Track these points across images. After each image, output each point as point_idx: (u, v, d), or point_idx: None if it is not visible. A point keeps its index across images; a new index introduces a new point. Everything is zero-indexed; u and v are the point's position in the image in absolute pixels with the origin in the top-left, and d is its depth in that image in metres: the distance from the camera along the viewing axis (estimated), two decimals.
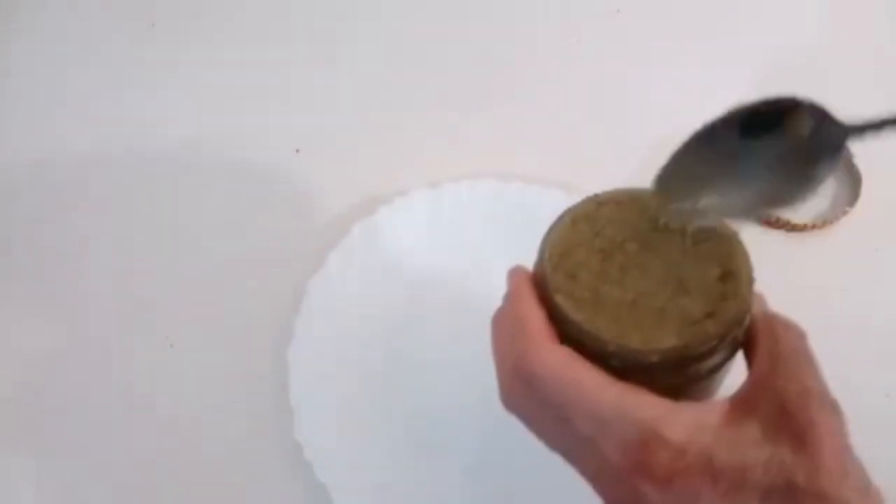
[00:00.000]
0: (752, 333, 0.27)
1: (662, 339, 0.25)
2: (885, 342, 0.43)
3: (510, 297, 0.29)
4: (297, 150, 0.51)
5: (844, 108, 0.52)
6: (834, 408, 0.25)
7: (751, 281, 0.27)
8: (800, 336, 0.26)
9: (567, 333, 0.27)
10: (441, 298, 0.44)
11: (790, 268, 0.46)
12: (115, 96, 0.53)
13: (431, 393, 0.43)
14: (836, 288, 0.45)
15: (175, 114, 0.52)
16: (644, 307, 0.26)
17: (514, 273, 0.30)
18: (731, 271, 0.27)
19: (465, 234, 0.46)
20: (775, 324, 0.27)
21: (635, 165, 0.49)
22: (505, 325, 0.28)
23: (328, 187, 0.49)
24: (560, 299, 0.27)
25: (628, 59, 0.54)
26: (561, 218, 0.30)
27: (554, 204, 0.46)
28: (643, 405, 0.24)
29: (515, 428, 0.42)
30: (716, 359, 0.26)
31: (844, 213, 0.47)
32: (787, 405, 0.24)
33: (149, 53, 0.55)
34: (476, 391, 0.43)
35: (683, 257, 0.27)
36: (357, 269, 0.45)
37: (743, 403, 0.25)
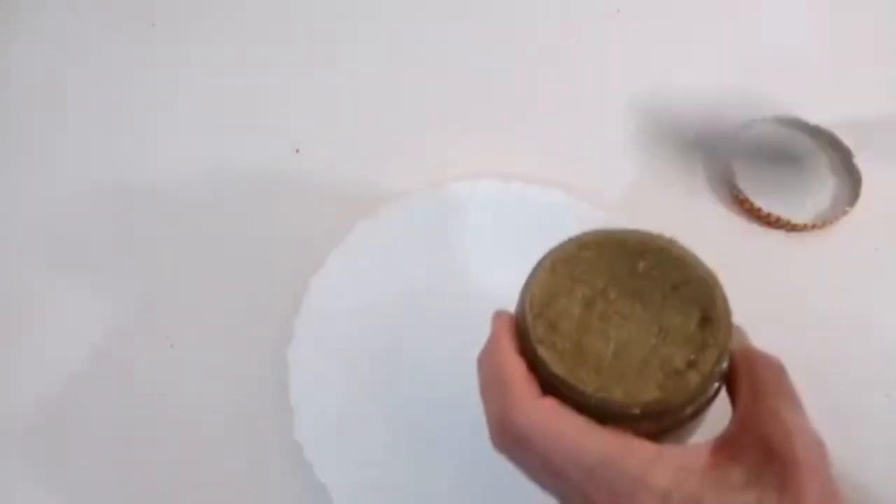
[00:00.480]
0: (732, 370, 0.27)
1: (644, 392, 0.26)
2: (885, 342, 0.43)
3: (491, 346, 0.29)
4: (297, 150, 0.51)
5: (845, 108, 0.52)
6: (817, 445, 0.25)
7: (730, 325, 0.27)
8: (779, 372, 0.27)
9: (549, 384, 0.27)
10: (441, 298, 0.44)
11: (790, 268, 0.46)
12: (114, 96, 0.53)
13: (431, 393, 0.43)
14: (836, 288, 0.45)
15: (175, 114, 0.52)
16: (626, 358, 0.27)
17: (497, 319, 0.30)
18: (711, 317, 0.27)
19: (465, 234, 0.46)
20: (755, 361, 0.27)
21: (635, 165, 0.49)
22: (488, 375, 0.28)
23: (328, 187, 0.49)
24: (542, 351, 0.27)
25: (628, 59, 0.54)
26: (541, 262, 0.30)
27: (554, 204, 0.47)
28: (628, 452, 0.25)
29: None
30: (696, 405, 0.27)
31: (844, 213, 0.47)
32: (771, 446, 0.24)
33: (149, 53, 0.55)
34: (476, 392, 0.43)
35: (664, 302, 0.28)
36: (357, 269, 0.45)
37: (727, 445, 0.25)
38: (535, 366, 0.27)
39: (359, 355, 0.43)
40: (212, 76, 0.54)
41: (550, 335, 0.27)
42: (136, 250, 0.48)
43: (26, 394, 0.44)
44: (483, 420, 0.42)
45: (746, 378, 0.27)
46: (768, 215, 0.47)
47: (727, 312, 0.27)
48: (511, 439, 0.27)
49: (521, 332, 0.28)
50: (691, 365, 0.26)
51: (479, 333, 0.44)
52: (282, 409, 0.41)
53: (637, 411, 0.26)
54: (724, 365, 0.27)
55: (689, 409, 0.26)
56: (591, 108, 0.52)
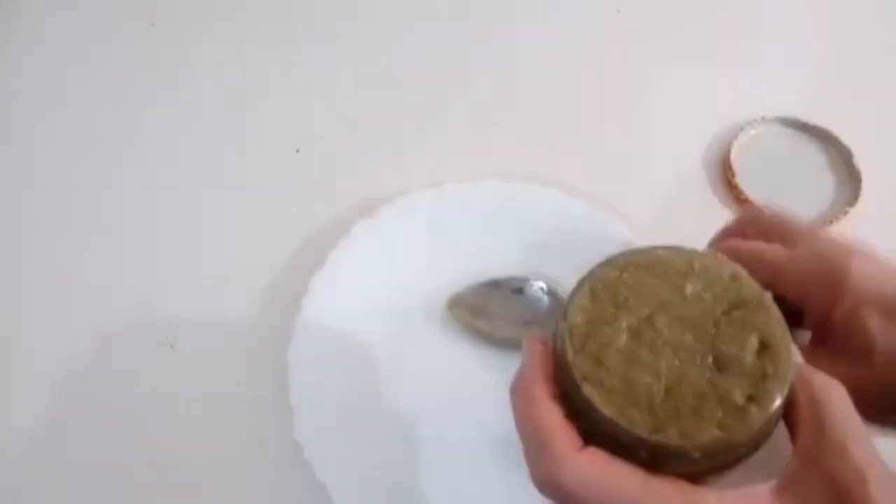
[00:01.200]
0: (790, 399, 0.25)
1: (703, 433, 0.24)
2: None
3: (525, 393, 0.26)
4: (297, 150, 0.51)
5: (845, 108, 0.52)
6: (891, 482, 0.23)
7: (790, 350, 0.25)
8: (842, 398, 0.25)
9: (595, 426, 0.25)
10: (441, 298, 0.44)
11: None
12: (114, 96, 0.53)
13: (431, 393, 0.43)
14: None
15: (175, 113, 0.52)
16: (680, 395, 0.24)
17: (530, 350, 0.27)
18: (769, 344, 0.25)
19: (466, 234, 0.46)
20: (814, 386, 0.25)
21: (635, 165, 0.49)
22: (524, 431, 0.26)
23: (328, 187, 0.49)
24: (588, 391, 0.25)
25: (628, 59, 0.54)
26: (579, 288, 0.27)
27: (554, 204, 0.47)
28: (687, 501, 0.24)
29: (514, 429, 0.42)
30: (757, 441, 0.25)
31: (844, 213, 0.47)
32: (843, 487, 0.23)
33: (149, 53, 0.55)
34: (476, 391, 0.43)
35: (717, 329, 0.25)
36: (357, 269, 0.45)
37: (791, 485, 0.24)
38: (577, 406, 0.25)
39: (359, 355, 0.43)
40: (212, 76, 0.54)
41: (596, 371, 0.25)
42: (136, 250, 0.48)
43: (26, 393, 0.44)
44: (483, 419, 0.42)
45: (807, 406, 0.24)
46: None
47: (785, 336, 0.25)
48: (561, 498, 0.25)
49: (562, 366, 0.26)
50: (752, 399, 0.24)
51: (479, 334, 0.44)
52: (282, 409, 0.41)
53: (697, 455, 0.24)
54: (786, 396, 0.25)
55: (750, 448, 0.25)
56: (591, 107, 0.52)
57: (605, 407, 0.24)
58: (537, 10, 0.56)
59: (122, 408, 0.43)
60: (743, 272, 0.26)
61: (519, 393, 0.27)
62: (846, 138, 0.49)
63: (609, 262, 0.27)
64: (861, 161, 0.48)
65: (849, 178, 0.48)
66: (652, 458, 0.24)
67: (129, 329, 0.45)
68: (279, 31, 0.56)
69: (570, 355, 0.25)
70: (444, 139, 0.51)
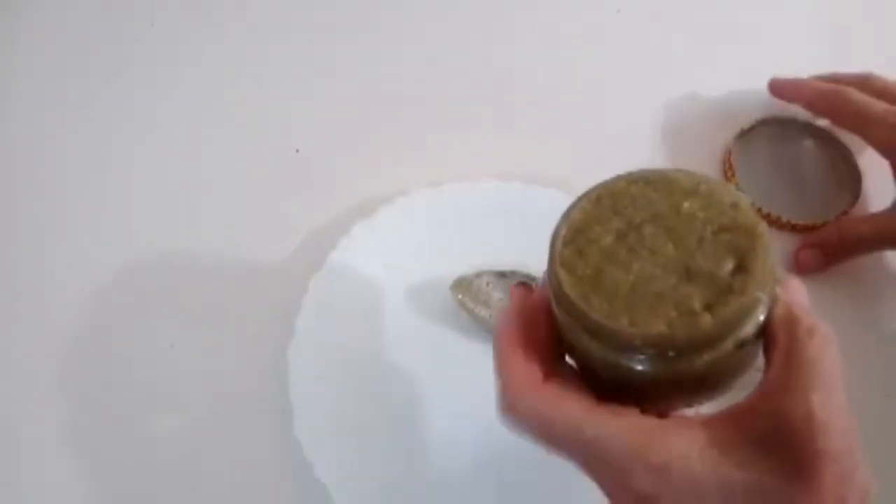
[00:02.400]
0: (771, 334, 0.25)
1: (651, 326, 0.24)
2: (886, 342, 0.43)
3: (498, 330, 0.28)
4: (297, 150, 0.51)
5: None
6: (843, 435, 0.23)
7: (767, 280, 0.25)
8: (823, 343, 0.24)
9: (562, 307, 0.27)
10: (441, 298, 0.44)
11: (791, 267, 0.46)
12: (114, 96, 0.53)
13: (431, 393, 0.43)
14: (837, 287, 0.45)
15: (175, 114, 0.52)
16: (642, 292, 0.25)
17: (512, 294, 0.29)
18: (746, 266, 0.25)
19: (466, 234, 0.46)
20: (796, 325, 0.24)
21: (635, 166, 0.49)
22: (496, 353, 0.28)
23: (328, 187, 0.49)
24: (561, 273, 0.26)
25: (628, 60, 0.54)
26: (588, 193, 0.29)
27: (554, 204, 0.47)
28: (625, 428, 0.24)
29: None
30: (707, 357, 0.25)
31: (844, 213, 0.47)
32: (789, 426, 0.23)
33: (149, 53, 0.55)
34: (476, 391, 0.43)
35: (699, 245, 0.26)
36: (357, 269, 0.45)
37: (740, 419, 0.24)
38: (554, 291, 0.27)
39: (359, 355, 0.43)
40: (211, 76, 0.54)
41: (574, 260, 0.27)
42: (136, 250, 0.48)
43: (26, 393, 0.44)
44: (483, 419, 0.42)
45: (784, 344, 0.24)
46: (768, 215, 0.47)
47: (767, 267, 0.25)
48: (516, 429, 0.27)
49: (549, 257, 0.28)
50: (708, 308, 0.24)
51: (479, 331, 0.44)
52: (282, 408, 0.41)
53: (638, 342, 0.25)
54: (749, 320, 0.25)
55: (704, 358, 0.25)
56: (592, 107, 0.52)
57: (570, 289, 0.26)
58: (537, 9, 0.56)
59: (122, 408, 0.43)
60: (747, 202, 0.27)
61: (494, 335, 0.28)
62: (846, 138, 0.49)
63: (622, 176, 0.29)
64: (861, 161, 0.48)
65: (849, 178, 0.48)
66: (607, 360, 0.26)
67: (129, 329, 0.45)
68: (279, 31, 0.56)
69: (558, 246, 0.27)
70: (444, 139, 0.51)
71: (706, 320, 0.24)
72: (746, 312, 0.25)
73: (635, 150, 0.50)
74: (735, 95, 0.52)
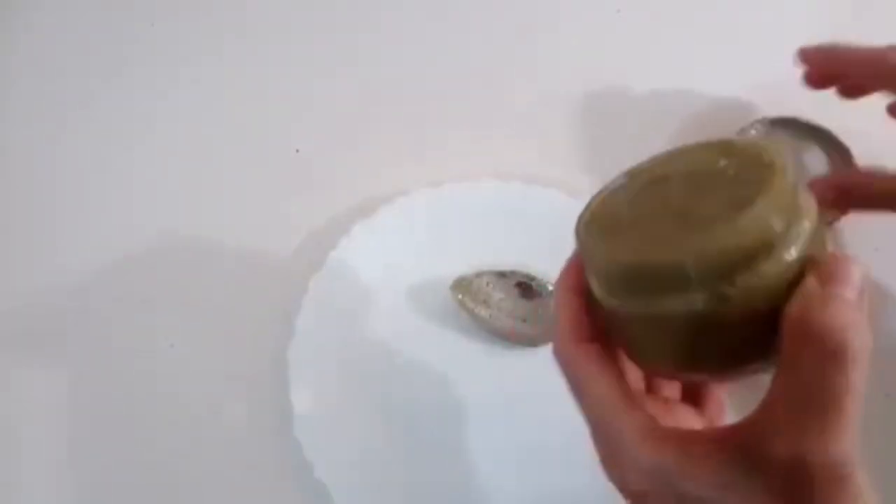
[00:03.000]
0: (784, 332, 0.22)
1: (623, 253, 0.25)
2: (886, 342, 0.43)
3: (560, 278, 0.29)
4: (297, 150, 0.51)
5: (845, 108, 0.52)
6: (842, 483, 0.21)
7: (787, 204, 0.23)
8: (826, 358, 0.21)
9: (592, 265, 0.27)
10: (441, 298, 0.44)
11: None
12: (114, 96, 0.53)
13: (431, 392, 0.43)
14: None
15: (174, 114, 0.52)
16: (640, 227, 0.25)
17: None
18: (761, 191, 0.23)
19: (465, 234, 0.46)
20: (810, 344, 0.21)
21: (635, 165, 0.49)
22: (556, 290, 0.29)
23: (328, 187, 0.49)
24: (583, 222, 0.27)
25: (628, 60, 0.54)
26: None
27: (554, 204, 0.47)
28: (632, 429, 0.25)
29: (514, 429, 0.42)
30: (735, 286, 0.23)
31: (845, 213, 0.47)
32: (771, 471, 0.21)
33: (149, 53, 0.55)
34: (476, 390, 0.43)
35: (716, 189, 0.25)
36: (357, 268, 0.45)
37: (728, 435, 0.23)
38: (585, 256, 0.27)
39: (359, 355, 0.43)
40: (211, 76, 0.54)
41: (599, 210, 0.27)
42: (136, 250, 0.48)
43: (26, 393, 0.44)
44: (483, 419, 0.42)
45: (788, 356, 0.22)
46: None
47: (786, 189, 0.23)
48: (555, 363, 0.28)
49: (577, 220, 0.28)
50: (682, 241, 0.23)
51: (479, 331, 0.44)
52: (282, 409, 0.41)
53: (603, 266, 0.25)
54: (778, 255, 0.22)
55: (733, 288, 0.23)
56: (592, 108, 0.52)
57: (582, 232, 0.27)
58: (537, 9, 0.56)
59: (122, 407, 0.43)
60: (782, 162, 0.24)
61: (556, 283, 0.29)
62: (846, 138, 0.49)
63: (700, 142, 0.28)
64: (861, 161, 0.48)
65: None
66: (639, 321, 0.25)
67: (129, 329, 0.45)
68: (279, 31, 0.56)
69: (593, 205, 0.28)
70: (444, 139, 0.51)
71: (686, 243, 0.23)
72: (762, 229, 0.23)
73: (635, 150, 0.50)
74: (735, 95, 0.52)
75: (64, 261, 0.47)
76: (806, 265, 0.23)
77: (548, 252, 0.45)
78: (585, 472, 0.40)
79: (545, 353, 0.43)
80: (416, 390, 0.43)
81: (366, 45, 0.55)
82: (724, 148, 0.26)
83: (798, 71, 0.48)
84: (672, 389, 0.31)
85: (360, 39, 0.56)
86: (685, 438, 0.24)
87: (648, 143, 0.51)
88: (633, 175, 0.28)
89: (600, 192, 0.29)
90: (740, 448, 0.22)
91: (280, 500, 0.41)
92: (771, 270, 0.23)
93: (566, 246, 0.45)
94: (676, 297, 0.24)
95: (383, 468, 0.40)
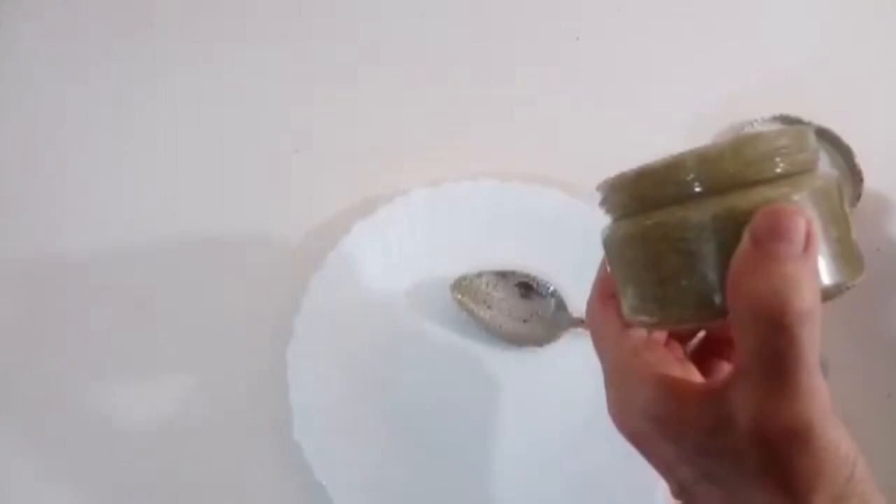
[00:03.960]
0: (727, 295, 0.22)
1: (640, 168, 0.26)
2: (886, 342, 0.43)
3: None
4: (297, 150, 0.51)
5: (845, 107, 0.52)
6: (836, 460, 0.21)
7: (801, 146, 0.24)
8: (764, 324, 0.21)
9: (608, 199, 0.28)
10: (441, 298, 0.44)
11: None
12: (113, 96, 0.53)
13: (431, 393, 0.43)
14: None
15: (174, 114, 0.52)
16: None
17: None
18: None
19: (465, 234, 0.46)
20: (745, 296, 0.21)
21: (635, 166, 0.49)
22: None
23: (328, 187, 0.49)
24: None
25: (628, 59, 0.54)
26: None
27: (554, 204, 0.47)
28: (636, 365, 0.26)
29: (514, 429, 0.42)
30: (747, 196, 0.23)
31: None
32: (738, 434, 0.22)
33: (148, 53, 0.55)
34: (476, 390, 0.43)
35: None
36: (357, 269, 0.45)
37: (713, 388, 0.24)
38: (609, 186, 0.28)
39: (359, 355, 0.43)
40: (211, 76, 0.54)
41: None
42: (136, 250, 0.48)
43: (26, 394, 0.44)
44: (482, 419, 0.42)
45: (732, 309, 0.22)
46: None
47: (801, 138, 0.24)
48: (586, 314, 0.29)
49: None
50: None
51: (479, 332, 0.44)
52: (282, 409, 0.41)
53: (620, 183, 0.26)
54: (785, 184, 0.23)
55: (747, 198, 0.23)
56: (592, 107, 0.52)
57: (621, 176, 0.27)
58: (537, 9, 0.56)
59: (122, 409, 0.43)
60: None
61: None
62: (846, 138, 0.49)
63: None
64: (862, 161, 0.48)
65: (850, 177, 0.48)
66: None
67: (128, 329, 0.45)
68: (279, 31, 0.56)
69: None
70: (444, 139, 0.51)
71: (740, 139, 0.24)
72: (776, 150, 0.23)
73: (635, 150, 0.50)
74: (736, 95, 0.52)
75: (63, 260, 0.47)
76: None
77: (548, 252, 0.46)
78: (585, 472, 0.41)
79: (545, 353, 0.43)
80: (415, 391, 0.43)
81: (366, 46, 0.55)
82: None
83: (801, 69, 0.48)
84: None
85: (360, 39, 0.55)
86: (682, 384, 0.24)
87: (649, 142, 0.51)
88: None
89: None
90: (719, 405, 0.23)
91: (280, 500, 0.41)
92: (767, 195, 0.23)
93: (566, 246, 0.45)
94: (677, 206, 0.24)
95: (383, 469, 0.40)
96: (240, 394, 0.43)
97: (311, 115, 0.52)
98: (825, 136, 0.50)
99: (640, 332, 0.28)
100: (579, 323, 0.43)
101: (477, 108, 0.52)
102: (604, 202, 0.28)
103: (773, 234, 0.21)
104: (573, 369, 0.43)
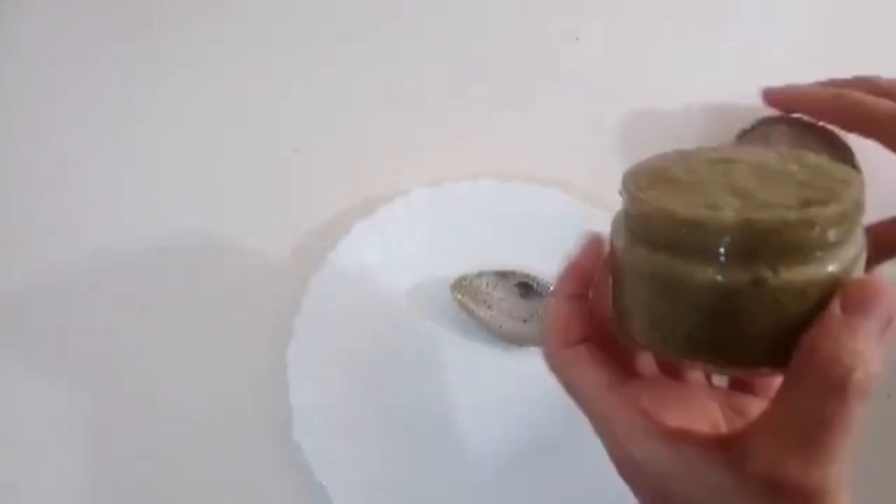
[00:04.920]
0: (797, 349, 0.22)
1: (680, 208, 0.23)
2: (886, 342, 0.43)
3: (557, 281, 0.29)
4: (297, 150, 0.51)
5: None
6: None
7: (849, 224, 0.23)
8: (826, 389, 0.21)
9: (634, 220, 0.26)
10: (441, 298, 0.44)
11: None
12: (113, 96, 0.53)
13: (431, 393, 0.43)
14: None
15: (174, 114, 0.52)
16: (695, 189, 0.24)
17: (581, 244, 0.30)
18: (825, 201, 0.23)
19: (465, 234, 0.46)
20: (818, 356, 0.22)
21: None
22: (551, 295, 0.29)
23: (328, 187, 0.49)
24: (632, 172, 0.26)
25: (629, 59, 0.54)
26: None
27: (554, 204, 0.47)
28: (618, 420, 0.25)
29: (513, 428, 0.42)
30: (780, 276, 0.22)
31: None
32: (750, 486, 0.22)
33: (148, 53, 0.55)
34: (476, 390, 0.43)
35: (783, 185, 0.24)
36: (357, 269, 0.45)
37: (720, 441, 0.24)
38: (631, 208, 0.26)
39: (359, 355, 0.43)
40: (211, 76, 0.54)
41: (651, 168, 0.27)
42: (135, 251, 0.48)
43: (26, 393, 0.44)
44: (482, 419, 0.42)
45: (798, 363, 0.22)
46: None
47: (851, 208, 0.23)
48: (548, 369, 0.29)
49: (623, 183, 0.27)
50: (741, 211, 0.22)
51: (479, 332, 0.44)
52: (282, 409, 0.41)
53: (643, 210, 0.24)
54: (825, 264, 0.22)
55: (781, 277, 0.22)
56: (592, 107, 0.52)
57: (633, 187, 0.25)
58: (537, 9, 0.56)
59: (121, 409, 0.43)
60: (860, 181, 0.25)
61: (553, 290, 0.29)
62: (847, 138, 0.49)
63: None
64: (862, 160, 0.48)
65: None
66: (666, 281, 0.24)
67: (127, 329, 0.45)
68: (279, 31, 0.56)
69: (642, 163, 0.27)
70: (444, 139, 0.51)
71: (727, 215, 0.22)
72: (821, 232, 0.22)
73: (635, 150, 0.50)
74: (735, 95, 0.52)
75: (63, 261, 0.47)
76: (841, 288, 0.23)
77: (548, 252, 0.45)
78: (585, 472, 0.41)
79: None
80: (415, 391, 0.43)
81: (366, 45, 0.55)
82: (797, 157, 0.26)
83: (801, 69, 0.48)
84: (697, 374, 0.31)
85: (360, 39, 0.55)
86: (678, 437, 0.24)
87: (649, 142, 0.51)
88: (689, 153, 0.28)
89: (649, 159, 0.28)
90: (728, 457, 0.23)
91: (280, 500, 0.41)
92: (813, 275, 0.22)
93: (566, 246, 0.45)
94: (708, 264, 0.23)
95: (383, 469, 0.40)
96: (240, 394, 0.43)
97: (311, 115, 0.52)
98: (826, 136, 0.50)
99: (647, 363, 0.28)
100: None
101: (477, 108, 0.52)
102: (633, 220, 0.26)
103: (862, 309, 0.22)
104: None
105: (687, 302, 0.24)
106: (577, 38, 0.55)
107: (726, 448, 0.23)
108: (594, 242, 0.29)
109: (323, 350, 0.42)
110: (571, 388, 0.27)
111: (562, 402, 0.43)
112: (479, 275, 0.44)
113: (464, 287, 0.44)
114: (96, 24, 0.56)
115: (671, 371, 0.30)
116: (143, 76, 0.54)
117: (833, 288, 0.23)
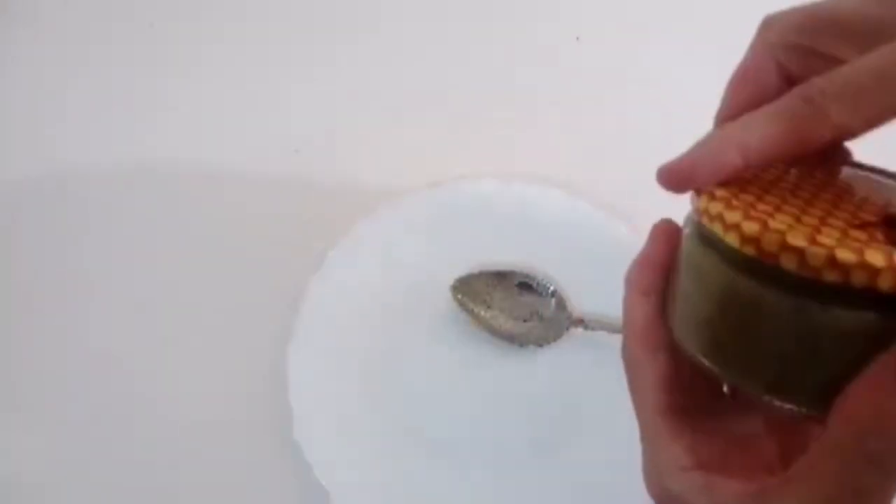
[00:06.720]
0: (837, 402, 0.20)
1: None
2: None
3: (628, 273, 0.26)
4: (297, 150, 0.51)
5: None
6: None
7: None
8: (864, 456, 0.19)
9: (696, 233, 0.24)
10: (441, 298, 0.44)
11: None
12: (113, 96, 0.53)
13: (431, 393, 0.43)
14: None
15: (174, 114, 0.52)
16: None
17: (651, 233, 0.27)
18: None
19: (465, 234, 0.46)
20: (860, 416, 0.19)
21: (635, 166, 0.49)
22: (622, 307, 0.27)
23: (328, 187, 0.49)
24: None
25: (629, 58, 0.54)
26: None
27: (554, 204, 0.47)
28: (665, 450, 0.24)
29: (514, 429, 0.42)
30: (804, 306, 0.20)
31: None
32: None
33: (147, 53, 0.55)
34: (476, 390, 0.43)
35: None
36: (357, 269, 0.45)
37: (751, 492, 0.22)
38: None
39: (359, 355, 0.43)
40: (211, 76, 0.54)
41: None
42: (136, 250, 0.48)
43: (25, 393, 0.44)
44: (482, 419, 0.42)
45: (837, 419, 0.20)
46: None
47: None
48: (623, 361, 0.26)
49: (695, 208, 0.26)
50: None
51: (479, 332, 0.44)
52: (282, 409, 0.41)
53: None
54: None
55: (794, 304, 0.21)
56: (592, 107, 0.52)
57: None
58: (537, 8, 0.56)
59: (121, 409, 0.43)
60: None
61: (626, 281, 0.27)
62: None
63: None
64: (862, 160, 0.48)
65: None
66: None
67: (128, 329, 0.45)
68: (279, 32, 0.56)
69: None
70: (444, 139, 0.51)
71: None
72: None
73: (635, 151, 0.50)
74: None
75: (63, 261, 0.47)
76: None
77: (548, 252, 0.46)
78: (584, 472, 0.41)
79: (546, 353, 0.43)
80: (415, 391, 0.43)
81: (366, 45, 0.55)
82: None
83: None
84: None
85: (360, 39, 0.55)
86: (713, 483, 0.23)
87: (649, 142, 0.51)
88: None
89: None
90: None
91: (280, 500, 0.41)
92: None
93: (566, 246, 0.45)
94: (793, 294, 0.21)
95: (383, 469, 0.40)
96: (240, 394, 0.43)
97: (311, 115, 0.52)
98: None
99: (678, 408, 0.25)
100: (579, 323, 0.43)
101: (477, 108, 0.52)
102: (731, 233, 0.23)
103: None
104: (573, 369, 0.43)
105: (771, 332, 0.22)
106: (577, 39, 0.55)
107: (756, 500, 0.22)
108: (665, 231, 0.27)
109: (323, 350, 0.42)
110: (638, 393, 0.25)
111: (561, 402, 0.43)
112: (479, 275, 0.44)
113: (464, 287, 0.44)
114: (96, 25, 0.56)
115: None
116: (142, 77, 0.54)
117: None
